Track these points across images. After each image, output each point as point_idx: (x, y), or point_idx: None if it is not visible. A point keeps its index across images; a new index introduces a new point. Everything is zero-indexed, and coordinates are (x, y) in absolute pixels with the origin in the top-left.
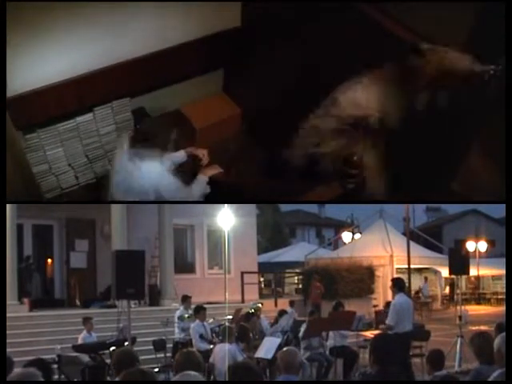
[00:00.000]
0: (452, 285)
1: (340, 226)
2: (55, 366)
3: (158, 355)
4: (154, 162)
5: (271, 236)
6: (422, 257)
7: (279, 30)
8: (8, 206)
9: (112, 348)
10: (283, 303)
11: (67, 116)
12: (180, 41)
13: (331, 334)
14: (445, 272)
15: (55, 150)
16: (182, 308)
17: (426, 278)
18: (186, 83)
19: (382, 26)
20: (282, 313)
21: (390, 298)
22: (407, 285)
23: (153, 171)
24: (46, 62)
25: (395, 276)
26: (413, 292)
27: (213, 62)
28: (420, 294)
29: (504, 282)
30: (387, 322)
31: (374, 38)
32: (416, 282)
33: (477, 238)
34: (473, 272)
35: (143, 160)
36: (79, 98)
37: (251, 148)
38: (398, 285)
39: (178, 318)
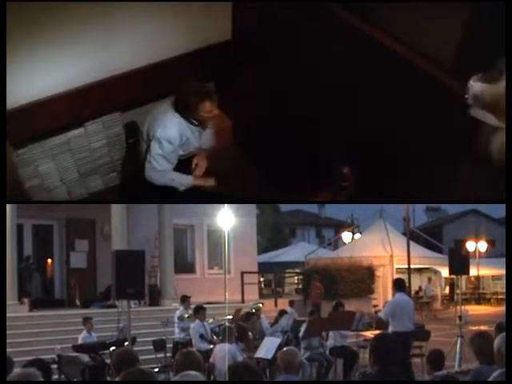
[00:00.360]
0: (452, 285)
1: (340, 226)
2: (55, 365)
3: (158, 355)
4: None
5: (271, 236)
6: (422, 257)
7: (269, 42)
8: (8, 206)
9: (112, 348)
10: (283, 303)
11: (59, 130)
12: (172, 54)
13: (331, 333)
14: (445, 272)
15: (47, 164)
16: (181, 308)
17: (429, 279)
18: None
19: (366, 33)
20: (282, 313)
21: (389, 298)
22: (407, 285)
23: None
24: (43, 76)
25: (396, 276)
26: (413, 292)
27: (204, 75)
28: (422, 294)
29: (504, 281)
30: (379, 314)
31: (362, 47)
32: (416, 282)
33: (477, 238)
34: (473, 272)
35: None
36: (72, 111)
37: (243, 159)
38: (399, 285)
39: (178, 318)
